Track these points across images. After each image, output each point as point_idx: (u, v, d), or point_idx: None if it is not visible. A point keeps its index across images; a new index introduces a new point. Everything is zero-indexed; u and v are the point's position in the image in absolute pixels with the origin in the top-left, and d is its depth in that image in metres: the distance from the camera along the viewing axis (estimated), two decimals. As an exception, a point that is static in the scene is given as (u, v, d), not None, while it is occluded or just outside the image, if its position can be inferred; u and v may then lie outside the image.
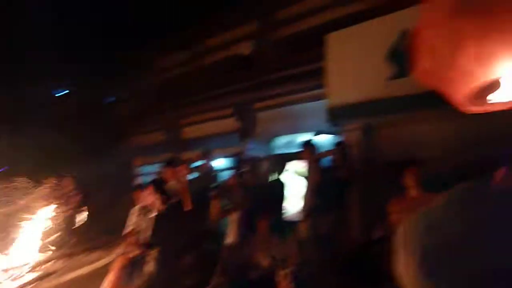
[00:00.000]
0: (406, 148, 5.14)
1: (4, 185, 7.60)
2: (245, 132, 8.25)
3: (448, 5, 1.34)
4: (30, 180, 7.44)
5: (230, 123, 8.66)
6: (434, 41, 1.50)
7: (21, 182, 7.98)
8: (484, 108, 1.46)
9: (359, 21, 6.18)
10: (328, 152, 4.57)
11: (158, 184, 5.23)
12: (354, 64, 5.76)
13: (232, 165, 8.94)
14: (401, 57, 5.25)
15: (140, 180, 11.26)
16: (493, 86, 1.32)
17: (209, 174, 6.49)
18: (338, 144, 4.60)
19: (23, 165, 10.36)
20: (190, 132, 10.39)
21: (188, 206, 4.86)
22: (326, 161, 4.71)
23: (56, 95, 16.60)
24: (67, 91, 17.10)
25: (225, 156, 9.04)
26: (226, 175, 8.60)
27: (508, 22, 1.39)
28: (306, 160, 4.78)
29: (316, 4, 7.97)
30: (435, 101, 4.05)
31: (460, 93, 1.38)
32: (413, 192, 3.07)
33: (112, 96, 15.25)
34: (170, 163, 5.84)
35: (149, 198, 4.88)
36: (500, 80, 1.27)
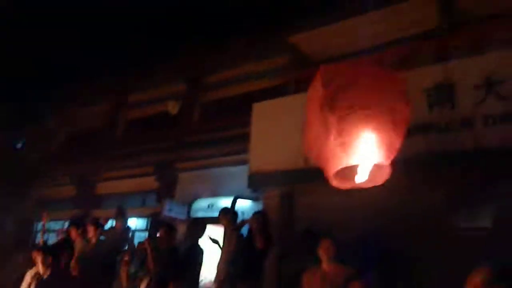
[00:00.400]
0: (322, 217, 5.33)
1: None
2: (164, 192, 7.98)
3: (320, 100, 1.78)
4: None
5: (149, 182, 8.36)
6: (315, 127, 1.91)
7: None
8: (348, 186, 1.89)
9: (284, 94, 6.58)
10: (246, 221, 4.54)
11: (48, 246, 4.88)
12: (276, 134, 6.00)
13: (147, 226, 8.49)
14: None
15: (43, 238, 10.15)
16: (353, 169, 1.73)
17: (122, 235, 6.04)
18: (257, 213, 4.61)
19: None
20: (104, 188, 9.78)
21: (75, 272, 4.51)
22: (244, 229, 4.66)
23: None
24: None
25: (141, 216, 8.58)
26: (140, 236, 8.11)
27: (364, 118, 1.87)
28: (224, 227, 4.69)
29: (245, 73, 8.36)
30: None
31: (331, 171, 1.79)
32: (325, 264, 3.13)
33: (19, 142, 14.05)
34: (76, 223, 5.40)
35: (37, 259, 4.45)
36: (358, 166, 1.68)
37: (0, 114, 12.85)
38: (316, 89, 1.91)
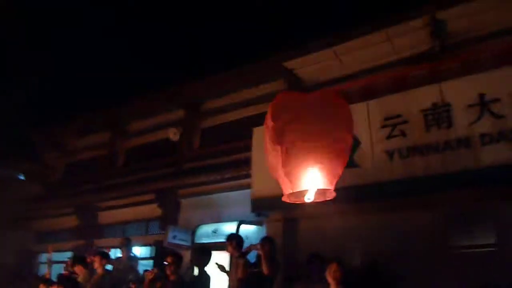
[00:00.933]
0: (326, 240, 5.38)
1: None
2: (167, 219, 7.99)
3: (272, 134, 2.09)
4: None
5: (151, 209, 8.37)
6: (270, 156, 2.22)
7: None
8: (299, 201, 2.25)
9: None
10: (252, 247, 4.56)
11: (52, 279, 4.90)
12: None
13: (151, 254, 8.46)
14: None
15: (46, 270, 10.05)
16: (303, 194, 2.12)
17: (127, 265, 6.04)
18: (264, 239, 4.64)
19: None
20: (107, 217, 9.77)
21: None
22: (251, 255, 4.68)
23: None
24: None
25: (145, 244, 8.55)
26: (145, 265, 8.07)
27: (306, 151, 2.01)
28: (230, 254, 4.71)
29: (243, 99, 8.51)
30: (351, 196, 4.40)
31: (284, 194, 2.19)
32: (334, 288, 3.17)
33: (19, 174, 14.05)
34: (80, 259, 5.45)
35: None
36: (307, 191, 2.08)
37: (1, 146, 12.92)
38: (268, 122, 2.17)
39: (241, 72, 8.38)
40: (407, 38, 6.20)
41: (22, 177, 13.88)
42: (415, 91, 5.15)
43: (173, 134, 9.11)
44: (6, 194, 11.76)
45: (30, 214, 11.34)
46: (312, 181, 2.05)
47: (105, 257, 5.74)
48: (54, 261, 9.44)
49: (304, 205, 5.59)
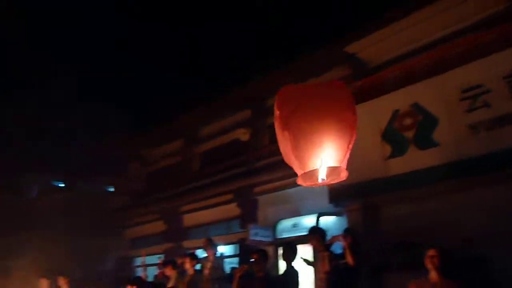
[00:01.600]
0: (412, 226, 5.13)
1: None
2: (247, 218, 8.18)
3: (280, 122, 2.24)
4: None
5: (231, 209, 8.63)
6: (281, 143, 2.39)
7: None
8: (313, 184, 2.40)
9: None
10: (335, 238, 4.49)
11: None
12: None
13: (236, 252, 8.73)
14: (396, 136, 5.48)
15: (140, 272, 10.82)
16: (316, 174, 2.24)
17: (214, 264, 6.27)
18: (346, 230, 4.56)
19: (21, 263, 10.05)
20: (190, 220, 10.26)
21: None
22: (336, 247, 4.61)
23: (56, 185, 16.62)
24: (63, 184, 17.13)
25: (228, 243, 8.85)
26: (230, 263, 8.34)
27: (311, 135, 2.17)
28: (314, 247, 4.69)
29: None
30: (437, 176, 4.13)
31: (298, 173, 2.31)
32: (433, 275, 3.00)
33: (107, 187, 15.28)
34: (170, 262, 5.79)
35: None
36: (317, 170, 2.19)
37: (89, 162, 14.17)
38: (276, 112, 2.37)
39: (303, 64, 8.30)
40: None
41: (111, 189, 15.10)
42: (493, 57, 4.73)
43: (242, 134, 9.30)
44: (100, 206, 12.89)
45: (122, 223, 12.30)
46: (321, 160, 2.18)
47: (194, 258, 6.02)
48: (148, 264, 10.16)
49: (383, 191, 5.45)
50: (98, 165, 14.13)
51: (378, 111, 5.71)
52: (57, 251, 10.47)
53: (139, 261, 11.78)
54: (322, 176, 2.26)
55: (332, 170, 2.29)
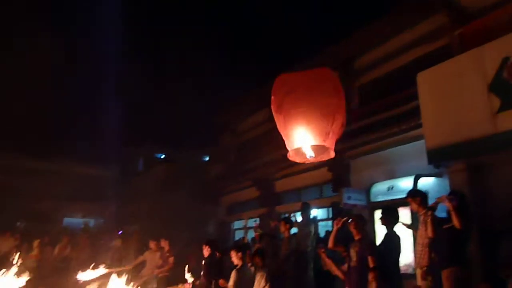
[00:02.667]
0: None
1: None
2: (339, 181, 8.07)
3: (274, 106, 2.66)
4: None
5: (323, 173, 8.56)
6: (278, 126, 2.70)
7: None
8: (301, 160, 2.73)
9: (449, 56, 5.92)
10: (439, 200, 4.16)
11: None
12: (451, 101, 5.43)
13: (328, 215, 8.74)
14: (506, 86, 4.84)
15: (238, 236, 11.48)
16: (301, 150, 2.58)
17: (308, 228, 6.34)
18: (453, 192, 4.19)
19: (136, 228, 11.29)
20: (282, 185, 10.45)
21: None
22: (439, 211, 4.30)
23: (158, 158, 18.23)
24: (164, 155, 18.64)
25: (320, 207, 8.88)
26: (324, 226, 8.40)
27: (297, 116, 2.50)
28: (415, 211, 4.43)
29: (400, 45, 7.86)
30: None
31: (289, 149, 2.65)
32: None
33: (205, 157, 16.24)
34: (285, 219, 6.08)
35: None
36: (301, 149, 2.59)
37: (187, 135, 15.14)
38: (272, 97, 2.73)
39: (393, 17, 7.72)
40: None
41: (207, 159, 16.02)
42: None
43: (331, 97, 9.06)
44: (198, 175, 13.81)
45: (219, 191, 13.01)
46: (305, 139, 2.52)
47: (288, 222, 6.14)
48: (247, 228, 10.71)
49: (492, 150, 4.91)
50: (196, 136, 15.09)
51: (484, 60, 5.07)
52: (163, 218, 11.56)
53: (236, 224, 12.52)
54: (309, 153, 2.61)
55: (320, 148, 2.62)
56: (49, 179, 14.69)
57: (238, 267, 4.90)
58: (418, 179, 6.16)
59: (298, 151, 2.65)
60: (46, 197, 14.52)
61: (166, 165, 15.95)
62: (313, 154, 2.65)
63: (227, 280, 4.99)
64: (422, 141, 5.68)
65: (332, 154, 2.69)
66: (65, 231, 11.98)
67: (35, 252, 9.09)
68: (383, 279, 3.76)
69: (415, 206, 4.27)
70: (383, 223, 4.51)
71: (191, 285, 5.48)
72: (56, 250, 9.40)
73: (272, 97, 2.72)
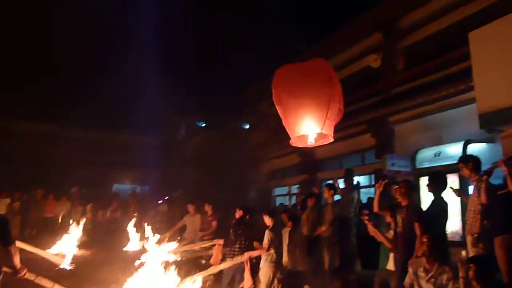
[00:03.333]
0: None
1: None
2: (383, 148, 7.91)
3: (275, 98, 2.82)
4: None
5: (365, 140, 8.42)
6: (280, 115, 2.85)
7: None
8: (305, 145, 2.85)
9: (503, 13, 5.50)
10: (494, 166, 3.98)
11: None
12: (507, 62, 5.11)
13: (371, 182, 8.65)
14: None
15: (278, 202, 11.66)
16: (302, 137, 2.75)
17: (353, 193, 6.32)
18: (510, 158, 3.97)
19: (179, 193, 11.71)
20: (324, 152, 10.38)
21: None
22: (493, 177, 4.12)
23: (199, 125, 18.62)
24: (204, 123, 18.95)
25: (363, 174, 8.78)
26: (366, 193, 8.33)
27: (295, 107, 2.71)
28: (467, 177, 4.27)
29: (446, 2, 7.37)
30: None
31: (292, 136, 2.79)
32: None
33: (245, 125, 16.34)
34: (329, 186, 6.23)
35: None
36: (307, 135, 2.71)
37: (227, 103, 15.32)
38: (272, 90, 2.89)
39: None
40: None
41: (247, 127, 16.12)
42: None
43: (373, 61, 8.75)
44: (239, 142, 13.98)
45: (259, 158, 13.14)
46: (304, 127, 2.71)
47: (332, 188, 6.14)
48: (288, 194, 10.81)
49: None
50: (235, 104, 15.19)
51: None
52: (206, 184, 11.88)
53: (277, 191, 12.69)
54: (311, 140, 2.76)
55: (319, 135, 2.77)
56: (98, 147, 15.45)
57: (270, 227, 5.12)
58: (468, 144, 5.93)
59: (299, 137, 2.82)
60: (97, 164, 15.31)
61: (207, 133, 16.23)
62: (313, 141, 2.81)
63: (257, 240, 5.25)
64: (472, 105, 5.43)
65: (331, 139, 2.85)
66: (115, 196, 12.71)
67: (88, 215, 9.80)
68: (433, 245, 3.71)
69: (467, 172, 4.11)
70: (430, 190, 4.39)
71: (222, 242, 5.77)
72: (108, 213, 10.04)
73: (273, 90, 2.89)
